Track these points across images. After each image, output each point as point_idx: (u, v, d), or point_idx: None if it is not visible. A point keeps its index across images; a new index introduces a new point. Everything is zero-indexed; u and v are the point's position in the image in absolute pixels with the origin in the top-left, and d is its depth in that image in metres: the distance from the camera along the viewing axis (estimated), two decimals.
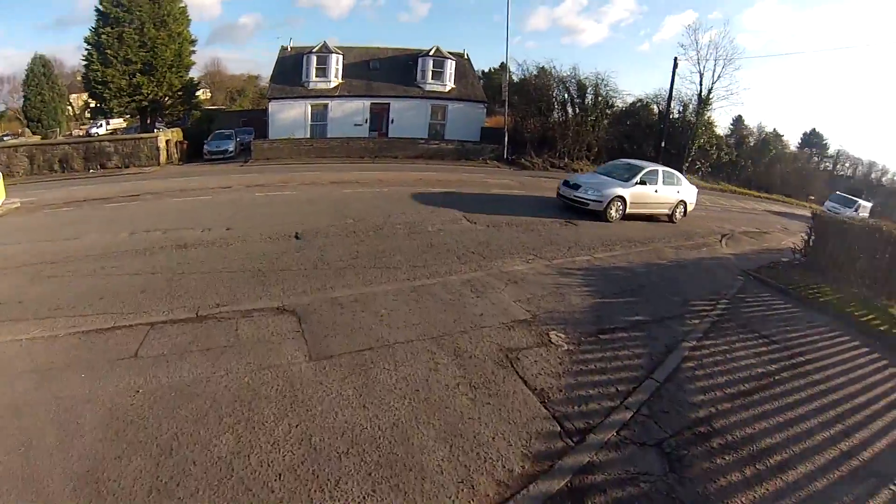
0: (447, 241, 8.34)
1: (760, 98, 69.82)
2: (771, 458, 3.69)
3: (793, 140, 36.57)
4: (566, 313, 5.84)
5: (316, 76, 24.16)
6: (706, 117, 27.20)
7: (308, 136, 23.46)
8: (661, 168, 12.48)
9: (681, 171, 27.46)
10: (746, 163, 30.39)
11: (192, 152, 22.63)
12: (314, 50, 24.20)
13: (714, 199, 21.97)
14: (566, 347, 4.96)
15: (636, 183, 11.55)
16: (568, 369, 4.56)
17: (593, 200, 11.18)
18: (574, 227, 10.58)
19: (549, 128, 24.00)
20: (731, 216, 16.98)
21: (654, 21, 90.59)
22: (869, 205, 24.83)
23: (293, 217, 9.22)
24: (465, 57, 28.57)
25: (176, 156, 21.62)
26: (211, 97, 46.77)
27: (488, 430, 3.62)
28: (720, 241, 11.84)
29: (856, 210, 22.67)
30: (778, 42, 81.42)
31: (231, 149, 22.71)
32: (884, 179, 35.71)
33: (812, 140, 37.28)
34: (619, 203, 11.32)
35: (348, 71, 25.00)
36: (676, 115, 27.07)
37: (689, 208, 13.15)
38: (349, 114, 24.43)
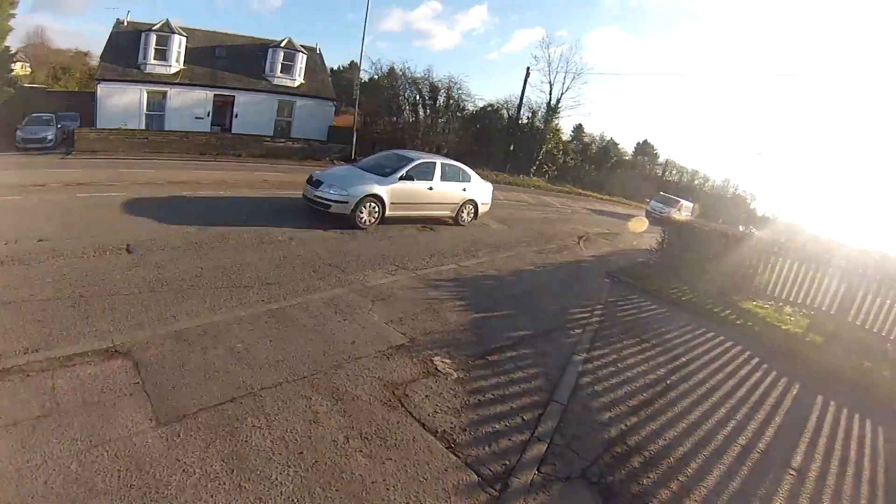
0: (301, 252, 8.12)
1: (600, 110, 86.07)
2: (688, 466, 4.19)
3: (628, 148, 45.77)
4: (445, 333, 5.88)
5: (155, 58, 23.91)
6: (554, 125, 32.56)
7: (142, 126, 23.16)
8: (439, 160, 11.55)
9: (528, 174, 33.04)
10: (590, 168, 36.91)
11: (3, 138, 21.16)
12: (154, 27, 23.81)
13: (563, 201, 25.73)
14: (456, 375, 4.93)
15: (400, 178, 10.43)
16: (465, 402, 4.49)
17: (335, 201, 9.76)
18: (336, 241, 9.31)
19: (399, 129, 25.96)
20: (582, 218, 19.94)
21: (504, 33, 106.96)
22: (690, 205, 28.65)
23: (122, 225, 8.38)
24: (318, 52, 29.60)
25: None
26: (31, 73, 42.48)
27: (398, 495, 3.26)
28: (578, 243, 13.65)
29: (678, 209, 25.59)
30: (615, 63, 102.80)
31: (51, 137, 22.02)
32: (706, 186, 46.69)
33: (644, 149, 47.24)
34: (375, 204, 10.10)
35: (191, 56, 25.03)
36: (525, 121, 31.74)
37: (483, 209, 12.73)
38: (190, 105, 24.62)
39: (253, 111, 25.69)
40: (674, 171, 44.74)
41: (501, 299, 7.49)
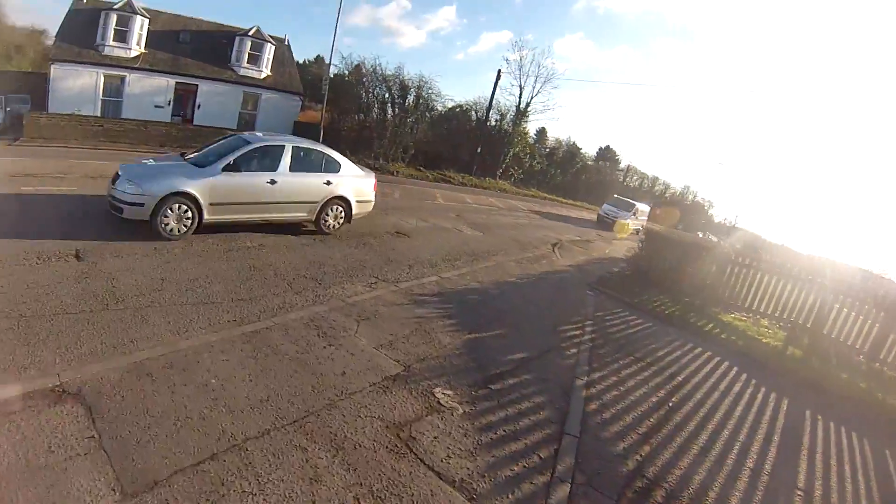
0: (273, 261, 7.46)
1: (563, 114, 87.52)
2: (707, 496, 4.15)
3: (590, 153, 46.32)
4: (441, 359, 5.44)
5: (114, 40, 22.39)
6: (522, 128, 32.58)
7: (98, 113, 21.58)
8: (291, 143, 8.73)
9: (495, 177, 32.37)
10: (556, 172, 37.08)
11: None
12: (115, 6, 22.37)
13: (530, 205, 25.76)
14: (461, 410, 4.53)
15: (225, 169, 7.80)
16: (477, 442, 4.11)
17: (129, 203, 7.18)
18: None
19: (367, 127, 25.17)
20: (553, 224, 19.95)
21: (471, 34, 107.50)
22: (647, 208, 27.39)
23: (71, 225, 7.51)
24: (286, 43, 28.58)
25: None
26: None
27: None
28: (553, 250, 13.48)
29: (633, 214, 24.80)
30: (579, 69, 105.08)
31: None
32: (666, 192, 48.12)
33: (606, 154, 48.16)
34: (186, 205, 7.48)
35: (154, 40, 23.70)
36: (494, 124, 31.49)
37: (360, 209, 9.81)
38: (150, 92, 23.29)
39: (217, 102, 24.56)
40: (635, 177, 45.77)
41: (490, 316, 7.13)
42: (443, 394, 4.70)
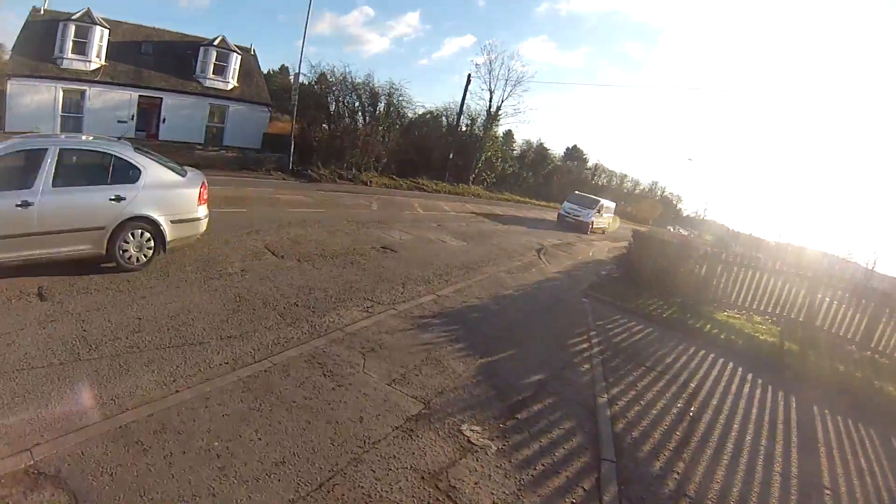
0: (259, 288, 6.81)
1: (531, 117, 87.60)
2: None
3: (557, 153, 46.22)
4: (459, 390, 5.04)
5: (73, 52, 21.09)
6: (494, 132, 32.24)
7: (58, 130, 20.10)
8: (58, 145, 6.04)
9: (468, 182, 31.37)
10: (528, 174, 36.96)
11: None
12: (74, 17, 21.09)
13: (506, 209, 25.59)
14: (494, 447, 4.18)
15: None
16: (520, 483, 3.79)
17: None
18: None
19: (338, 137, 24.36)
20: (534, 231, 19.57)
21: (435, 40, 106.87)
22: (612, 205, 26.48)
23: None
24: (252, 53, 27.48)
25: None
26: None
27: None
28: (539, 257, 13.26)
29: (598, 211, 23.53)
30: (543, 72, 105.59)
31: None
32: (636, 189, 48.87)
33: (574, 154, 48.21)
34: None
35: (114, 51, 22.37)
36: (465, 129, 31.13)
37: (177, 234, 6.93)
38: (112, 107, 21.98)
39: (182, 115, 23.44)
40: (603, 175, 46.23)
41: (496, 335, 6.80)
42: (471, 430, 4.31)
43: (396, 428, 4.11)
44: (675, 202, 52.50)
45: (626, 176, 48.31)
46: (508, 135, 37.48)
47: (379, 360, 5.24)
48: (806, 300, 9.48)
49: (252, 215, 11.36)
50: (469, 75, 28.98)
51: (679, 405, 5.79)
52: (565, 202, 24.70)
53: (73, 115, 21.12)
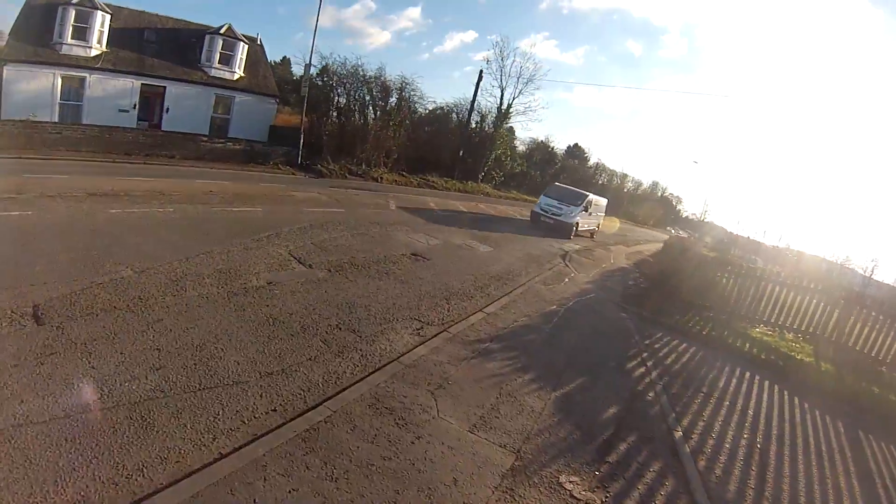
0: (293, 306, 6.13)
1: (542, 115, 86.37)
2: None
3: (558, 151, 45.44)
4: (546, 433, 4.68)
5: (73, 38, 19.76)
6: (503, 130, 31.31)
7: (55, 119, 18.90)
8: None
9: (477, 180, 30.25)
10: (535, 173, 36.18)
11: None
12: (74, 1, 19.68)
13: (519, 209, 24.53)
14: (598, 500, 3.88)
15: None
16: None
17: None
18: None
19: (347, 132, 23.37)
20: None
21: (436, 34, 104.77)
22: (604, 202, 22.41)
23: (25, 267, 5.73)
24: (259, 43, 26.04)
25: None
26: None
27: None
28: (566, 264, 12.89)
29: (585, 208, 18.87)
30: (544, 70, 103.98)
31: None
32: (638, 190, 48.67)
33: (575, 152, 47.33)
34: None
35: (116, 38, 20.97)
36: (475, 126, 30.27)
37: None
38: (113, 95, 20.59)
39: (186, 106, 22.14)
40: (604, 175, 45.68)
41: (558, 361, 6.49)
42: (570, 483, 3.96)
43: (496, 488, 3.67)
44: (675, 203, 52.32)
45: (626, 175, 47.64)
46: (510, 132, 36.80)
47: (452, 401, 4.73)
48: (835, 318, 9.36)
49: (268, 216, 10.79)
50: (481, 72, 28.13)
51: (746, 436, 5.68)
52: (542, 197, 19.39)
53: (72, 103, 20.11)
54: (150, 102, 21.69)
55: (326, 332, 5.59)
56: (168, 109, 21.88)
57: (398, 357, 5.37)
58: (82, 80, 20.10)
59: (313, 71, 24.64)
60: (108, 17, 20.77)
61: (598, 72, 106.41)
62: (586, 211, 18.81)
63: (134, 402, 3.68)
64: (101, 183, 11.03)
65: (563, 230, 17.72)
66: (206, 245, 7.64)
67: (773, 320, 9.89)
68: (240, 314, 5.57)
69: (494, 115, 30.61)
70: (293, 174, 19.76)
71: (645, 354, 7.49)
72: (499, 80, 30.98)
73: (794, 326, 9.75)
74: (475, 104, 28.78)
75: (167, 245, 7.35)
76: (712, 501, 4.26)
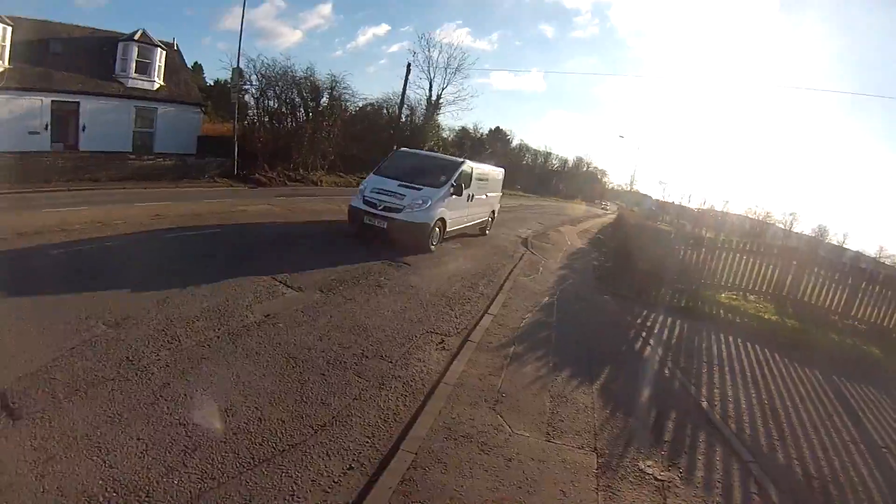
0: (306, 339, 5.69)
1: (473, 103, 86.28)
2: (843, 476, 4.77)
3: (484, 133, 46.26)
4: (606, 426, 4.91)
5: None
6: (435, 121, 32.07)
7: None
8: None
9: None
10: None
11: None
12: None
13: None
14: (677, 478, 4.22)
15: None
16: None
17: None
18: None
19: (281, 136, 22.45)
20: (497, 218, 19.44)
21: (349, 31, 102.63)
22: (500, 172, 15.27)
23: None
24: (175, 48, 23.93)
25: None
26: None
27: None
28: (530, 251, 13.32)
29: (457, 189, 11.08)
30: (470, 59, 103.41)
31: None
32: (565, 167, 50.73)
33: (497, 135, 48.45)
34: None
35: (19, 52, 18.88)
36: (405, 120, 30.47)
37: None
38: (21, 116, 18.70)
39: (105, 121, 20.56)
40: (527, 155, 47.09)
41: (580, 354, 6.69)
42: (648, 467, 4.26)
43: (597, 490, 3.82)
44: (600, 176, 55.00)
45: (550, 153, 49.54)
46: (438, 125, 37.27)
47: (515, 414, 4.73)
48: (790, 278, 10.47)
49: (228, 236, 10.16)
50: (409, 64, 28.52)
51: (753, 395, 6.32)
52: (371, 177, 11.38)
53: None
54: (64, 121, 19.76)
55: (356, 364, 5.25)
56: (84, 127, 20.04)
57: (440, 379, 5.22)
58: None
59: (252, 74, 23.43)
60: (8, 28, 18.40)
61: (513, 55, 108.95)
62: (459, 194, 11.20)
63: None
64: (25, 218, 9.59)
65: (412, 235, 10.20)
66: (177, 279, 6.88)
67: (738, 285, 10.78)
68: (254, 360, 4.97)
69: (424, 107, 31.30)
70: (231, 186, 18.90)
71: (644, 334, 7.98)
72: (426, 72, 32.14)
73: (753, 288, 10.74)
74: (405, 98, 28.86)
75: (133, 286, 6.50)
76: (756, 458, 4.69)
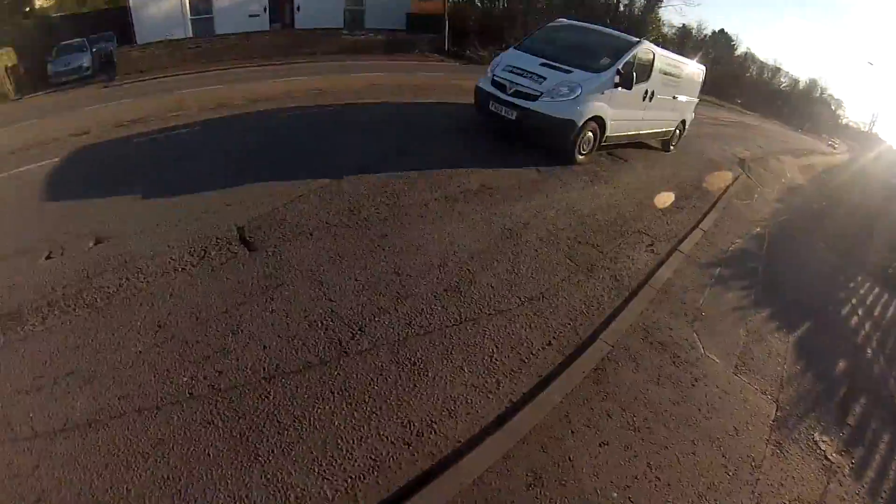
0: (516, 212, 6.26)
1: None
2: None
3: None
4: (794, 381, 4.75)
5: None
6: (656, 14, 29.33)
7: (190, 35, 19.48)
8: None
9: None
10: None
11: (36, 77, 17.66)
12: None
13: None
14: (847, 467, 4.01)
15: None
16: None
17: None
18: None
19: (494, 17, 22.53)
20: (714, 130, 18.04)
21: None
22: (700, 71, 11.09)
23: (217, 180, 5.81)
24: None
25: (9, 86, 16.56)
26: (56, 2, 32.91)
27: None
28: (745, 172, 12.13)
29: (624, 79, 7.84)
30: None
31: (86, 64, 18.67)
32: (795, 89, 42.05)
33: (719, 39, 40.50)
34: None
35: None
36: (623, 9, 28.02)
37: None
38: (241, 2, 20.84)
39: (317, 1, 21.66)
40: (753, 67, 39.35)
41: (785, 300, 6.28)
42: (823, 442, 4.13)
43: (766, 442, 3.91)
44: (834, 107, 44.85)
45: (780, 69, 40.64)
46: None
47: (710, 337, 4.97)
48: None
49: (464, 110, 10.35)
50: None
51: None
52: (505, 55, 8.66)
53: (203, 17, 20.16)
54: (280, 3, 21.58)
55: (569, 247, 5.73)
56: (299, 8, 21.76)
57: (646, 281, 5.55)
58: None
59: None
60: None
61: None
62: (629, 87, 7.99)
63: (393, 343, 3.48)
64: (254, 88, 11.27)
65: (550, 134, 7.86)
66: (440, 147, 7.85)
67: None
68: (469, 224, 5.58)
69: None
70: (442, 61, 19.72)
71: (854, 301, 7.30)
72: None
73: None
74: None
75: (363, 148, 7.50)
76: None
